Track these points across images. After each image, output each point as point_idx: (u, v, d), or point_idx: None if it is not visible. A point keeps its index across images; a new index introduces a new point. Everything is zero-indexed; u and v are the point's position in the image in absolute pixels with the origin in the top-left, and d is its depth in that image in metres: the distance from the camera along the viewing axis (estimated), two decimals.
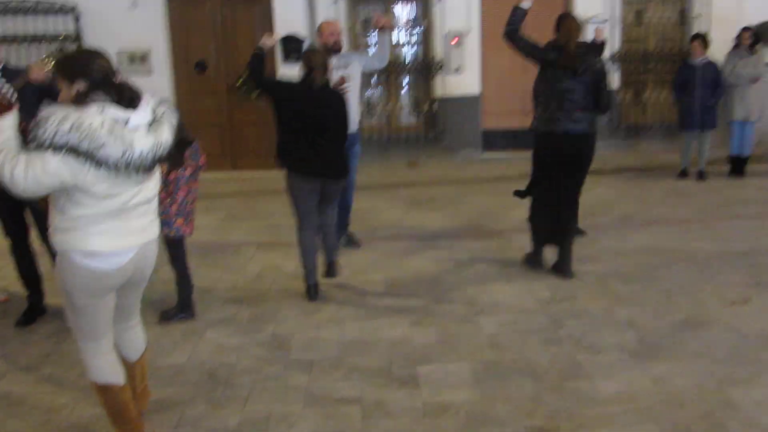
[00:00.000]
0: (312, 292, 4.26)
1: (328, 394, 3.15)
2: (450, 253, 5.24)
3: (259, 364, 3.49)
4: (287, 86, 4.01)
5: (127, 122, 2.35)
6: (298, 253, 4.16)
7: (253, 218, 6.60)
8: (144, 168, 2.37)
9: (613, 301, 4.16)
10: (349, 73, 4.93)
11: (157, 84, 8.33)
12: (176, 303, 4.08)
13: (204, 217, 6.46)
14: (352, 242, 5.49)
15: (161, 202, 3.76)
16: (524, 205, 4.87)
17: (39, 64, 3.68)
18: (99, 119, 2.28)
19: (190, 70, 8.68)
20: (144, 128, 2.39)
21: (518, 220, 5.85)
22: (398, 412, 2.99)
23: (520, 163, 8.55)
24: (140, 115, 2.39)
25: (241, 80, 8.09)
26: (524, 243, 5.25)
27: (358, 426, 2.89)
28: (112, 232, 2.43)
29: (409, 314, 4.06)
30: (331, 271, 4.45)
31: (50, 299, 4.21)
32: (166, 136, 2.43)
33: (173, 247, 3.95)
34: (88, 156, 2.27)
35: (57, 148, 2.23)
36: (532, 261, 4.74)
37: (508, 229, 5.85)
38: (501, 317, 3.96)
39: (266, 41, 4.12)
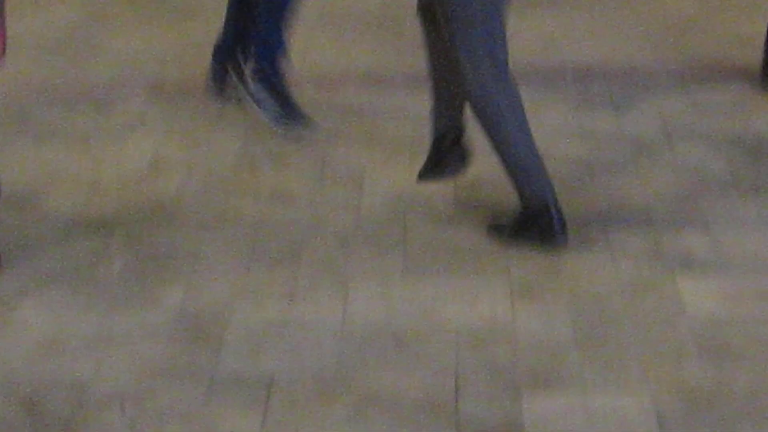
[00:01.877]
0: (558, 228, 4.30)
1: None
2: (614, 119, 5.30)
3: (148, 383, 3.56)
4: None
5: None
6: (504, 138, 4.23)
7: (157, 17, 6.72)
8: None
9: None
10: None
11: None
12: None
13: (35, 16, 6.50)
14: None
15: None
16: None
17: None
18: None
19: None
20: None
21: None
22: None
23: None
24: None
25: None
26: None
27: None
28: None
29: (509, 267, 4.11)
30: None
31: None
32: None
33: None
34: None
35: None
36: None
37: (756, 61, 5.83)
38: (727, 279, 4.08)
39: None
